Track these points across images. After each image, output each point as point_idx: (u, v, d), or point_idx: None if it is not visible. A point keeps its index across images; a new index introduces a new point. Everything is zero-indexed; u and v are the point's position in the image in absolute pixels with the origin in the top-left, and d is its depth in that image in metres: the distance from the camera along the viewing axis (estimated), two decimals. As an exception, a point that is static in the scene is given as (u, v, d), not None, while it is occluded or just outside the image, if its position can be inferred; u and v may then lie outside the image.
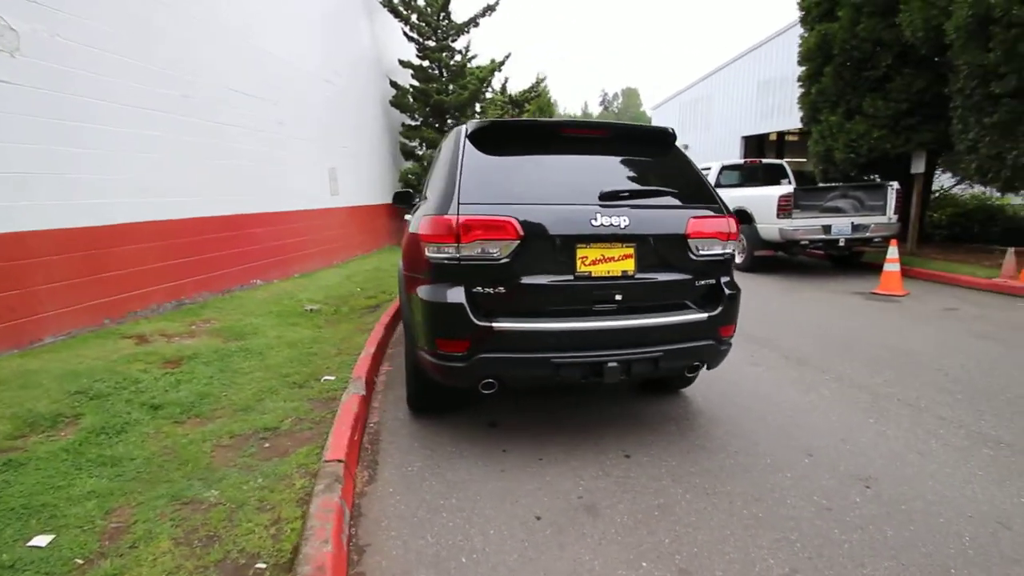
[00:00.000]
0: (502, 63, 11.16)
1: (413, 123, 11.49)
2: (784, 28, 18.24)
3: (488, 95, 11.81)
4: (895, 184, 7.67)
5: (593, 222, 2.41)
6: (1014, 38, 5.90)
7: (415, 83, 11.40)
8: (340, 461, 2.36)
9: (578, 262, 2.43)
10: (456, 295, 2.39)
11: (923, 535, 2.05)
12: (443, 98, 10.77)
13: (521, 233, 2.35)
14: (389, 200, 11.06)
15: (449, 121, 11.26)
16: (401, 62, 11.34)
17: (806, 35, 9.95)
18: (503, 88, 12.49)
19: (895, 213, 7.61)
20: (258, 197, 6.51)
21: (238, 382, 3.47)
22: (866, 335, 4.89)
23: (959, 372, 3.86)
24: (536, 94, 14.58)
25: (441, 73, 11.31)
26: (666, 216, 2.56)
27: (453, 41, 11.24)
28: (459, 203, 2.41)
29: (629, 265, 2.48)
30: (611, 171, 2.72)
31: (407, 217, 4.57)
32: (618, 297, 2.47)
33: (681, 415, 3.18)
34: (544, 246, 2.40)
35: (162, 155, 5.14)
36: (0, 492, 2.15)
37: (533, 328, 2.37)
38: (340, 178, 8.92)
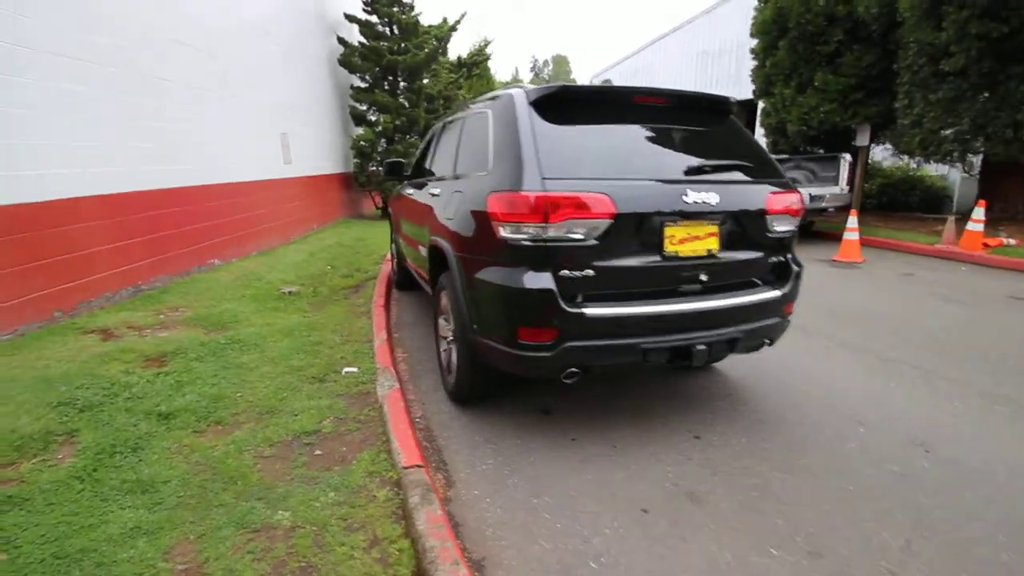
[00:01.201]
0: (458, 22, 10.53)
1: (363, 85, 10.67)
2: (715, 4, 18.66)
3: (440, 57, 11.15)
4: (847, 156, 8.15)
5: (685, 199, 2.28)
6: (965, 19, 6.30)
7: (363, 40, 10.54)
8: (419, 467, 2.14)
9: (666, 241, 2.30)
10: (543, 280, 2.19)
11: (995, 494, 2.18)
12: (396, 58, 10.04)
13: (615, 211, 2.18)
14: (341, 169, 10.34)
15: (402, 84, 10.56)
16: (347, 16, 10.40)
17: (761, 8, 10.16)
18: (444, 50, 11.85)
19: (847, 184, 8.12)
20: (210, 167, 5.77)
21: (248, 380, 3.08)
22: (844, 300, 5.20)
23: (942, 334, 4.18)
24: (484, 57, 14.04)
25: (392, 31, 10.51)
26: (748, 192, 2.48)
27: (402, -5, 10.45)
28: (543, 178, 2.18)
29: (714, 244, 2.39)
30: (682, 143, 2.58)
31: (409, 191, 4.23)
32: (703, 278, 2.39)
33: (723, 390, 3.20)
34: (633, 225, 2.25)
35: (99, 117, 4.36)
36: (16, 539, 1.75)
37: (625, 313, 2.23)
38: (292, 145, 8.15)
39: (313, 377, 3.19)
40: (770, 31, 9.78)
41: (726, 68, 18.73)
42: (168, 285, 5.08)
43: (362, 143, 10.39)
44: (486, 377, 2.72)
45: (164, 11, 5.21)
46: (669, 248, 2.31)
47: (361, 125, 10.83)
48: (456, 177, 3.02)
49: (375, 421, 2.65)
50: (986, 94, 6.71)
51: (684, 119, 2.69)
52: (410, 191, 4.23)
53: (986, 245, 6.92)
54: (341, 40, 10.17)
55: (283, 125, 7.92)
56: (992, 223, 7.51)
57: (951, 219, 7.31)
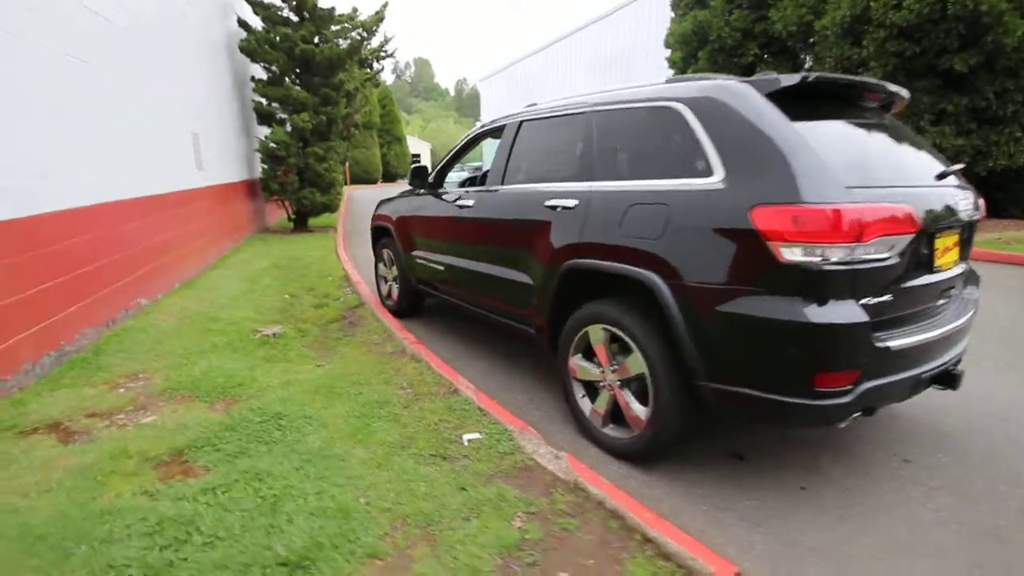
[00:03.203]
0: (382, 12, 9.43)
1: (270, 77, 9.09)
2: (612, 10, 19.65)
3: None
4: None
5: (955, 207, 2.02)
6: (884, 38, 7.16)
7: (261, 25, 9.00)
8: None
9: (936, 255, 2.02)
10: (852, 312, 1.76)
11: None
12: (312, 48, 8.71)
13: (919, 224, 1.83)
14: (246, 175, 8.73)
15: (315, 79, 9.22)
16: (242, -4, 8.79)
17: (678, 20, 10.73)
18: (369, 42, 10.70)
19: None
20: (117, 174, 4.26)
21: (354, 475, 2.18)
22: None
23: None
24: (388, 53, 13.01)
25: (301, 17, 9.11)
26: (970, 197, 2.30)
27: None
28: (846, 187, 1.76)
29: (956, 255, 2.17)
30: (898, 142, 2.32)
31: (461, 202, 3.49)
32: (953, 292, 2.15)
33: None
34: (922, 239, 1.93)
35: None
36: None
37: (921, 340, 1.90)
38: (203, 147, 6.57)
39: (432, 455, 2.37)
40: (691, 41, 10.34)
41: (617, 76, 19.73)
42: (99, 342, 3.61)
43: (273, 145, 8.86)
44: (689, 421, 2.21)
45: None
46: (937, 262, 2.04)
47: (267, 123, 9.25)
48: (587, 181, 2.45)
49: (587, 508, 1.99)
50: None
51: (875, 114, 2.44)
52: (462, 202, 3.48)
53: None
54: (243, 23, 8.53)
55: (192, 122, 6.34)
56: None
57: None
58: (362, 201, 17.32)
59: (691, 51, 10.50)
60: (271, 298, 5.23)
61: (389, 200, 4.86)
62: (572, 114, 2.77)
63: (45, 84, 3.38)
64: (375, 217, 4.96)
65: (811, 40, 8.46)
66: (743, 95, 2.05)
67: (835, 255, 1.75)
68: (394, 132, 40.66)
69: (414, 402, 2.91)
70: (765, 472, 2.37)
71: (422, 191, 4.19)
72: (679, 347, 2.07)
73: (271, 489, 2.03)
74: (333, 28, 9.29)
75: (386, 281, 4.94)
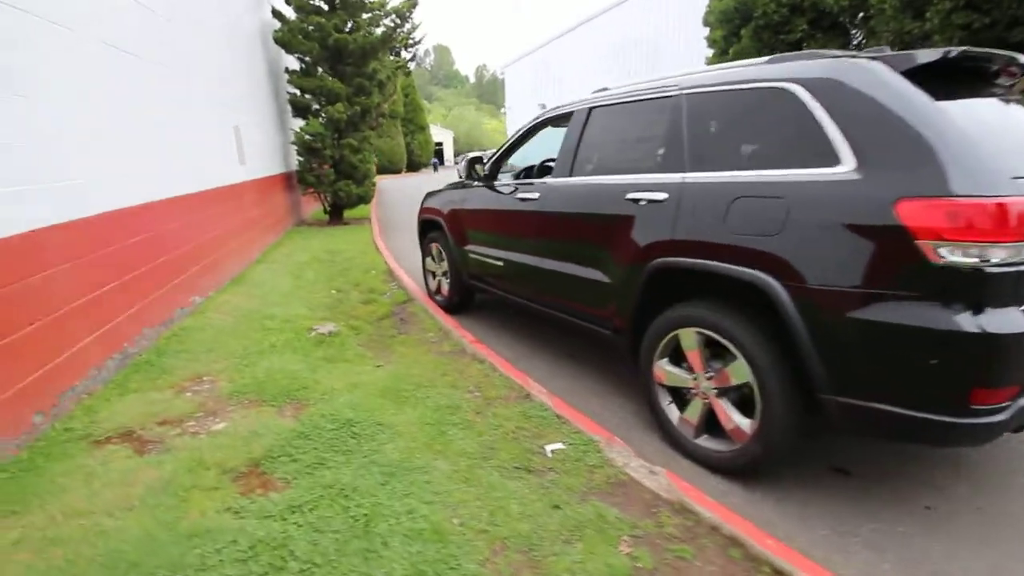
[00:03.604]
0: (414, 1, 9.23)
1: (304, 68, 9.01)
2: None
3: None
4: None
5: None
6: (949, 9, 6.66)
7: (293, 15, 8.88)
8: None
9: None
10: (1017, 321, 1.55)
11: None
12: (345, 36, 8.58)
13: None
14: (282, 168, 8.71)
15: (349, 68, 9.09)
16: (275, -15, 8.69)
17: (718, -2, 10.24)
18: (404, 30, 10.52)
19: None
20: (166, 171, 4.21)
21: (441, 490, 2.06)
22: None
23: None
24: (416, 41, 12.83)
25: (332, 5, 8.97)
26: None
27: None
28: (1013, 177, 1.54)
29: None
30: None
31: (523, 195, 3.32)
32: None
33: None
34: None
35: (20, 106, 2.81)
36: None
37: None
38: (244, 140, 6.53)
39: (516, 467, 2.24)
40: (733, 19, 9.87)
41: (643, 58, 19.17)
42: (158, 342, 3.59)
43: (308, 137, 8.80)
44: (802, 436, 2.03)
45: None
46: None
47: (302, 115, 9.19)
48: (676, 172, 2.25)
49: (700, 533, 1.83)
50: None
51: (1018, 94, 2.18)
52: (524, 195, 3.31)
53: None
54: (276, 13, 8.44)
55: (234, 115, 6.29)
56: None
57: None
58: (390, 191, 17.28)
59: (733, 29, 10.01)
60: (319, 294, 5.17)
61: (438, 192, 4.72)
62: (656, 98, 2.56)
63: (96, 78, 3.31)
64: (423, 210, 4.83)
65: (864, 14, 7.95)
66: (874, 74, 1.82)
67: (998, 255, 1.53)
68: (417, 121, 40.62)
69: (486, 407, 2.78)
70: (878, 489, 2.17)
71: (476, 183, 4.03)
72: (799, 357, 1.88)
73: (360, 507, 1.92)
74: (364, 16, 9.13)
75: (434, 276, 4.82)
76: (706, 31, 11.35)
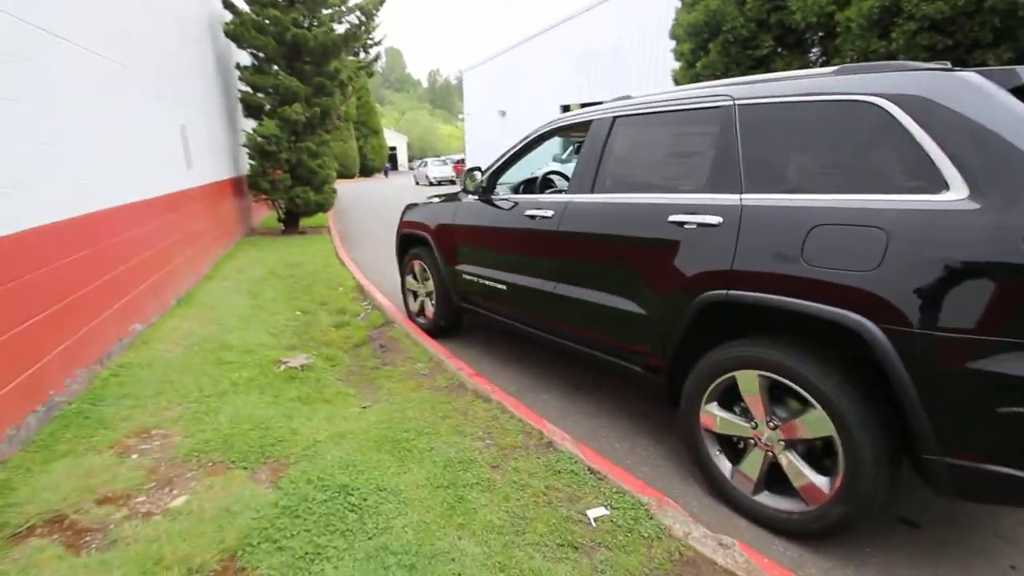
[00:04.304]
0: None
1: (258, 64, 8.28)
2: (599, 1, 19.15)
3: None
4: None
5: None
6: (915, 31, 6.88)
7: (247, 7, 8.18)
8: None
9: None
10: None
11: None
12: (304, 32, 7.95)
13: None
14: (232, 173, 8.00)
15: (308, 67, 8.45)
16: (225, -26, 7.93)
17: (686, 10, 10.32)
18: (369, 28, 9.92)
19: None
20: (103, 176, 3.55)
21: (475, 586, 1.65)
22: None
23: None
24: (376, 41, 12.26)
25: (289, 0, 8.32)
26: None
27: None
28: None
29: None
30: None
31: (532, 212, 2.97)
32: None
33: None
34: None
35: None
36: None
37: None
38: (191, 141, 5.83)
39: (559, 544, 1.87)
40: (701, 32, 9.96)
41: (605, 69, 19.29)
42: (94, 385, 2.96)
43: (261, 139, 8.09)
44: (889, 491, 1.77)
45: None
46: None
47: (254, 115, 8.46)
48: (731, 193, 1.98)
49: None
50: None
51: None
52: (534, 211, 2.96)
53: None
54: (228, 4, 7.70)
55: (180, 114, 5.59)
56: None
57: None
58: (345, 197, 16.50)
59: (701, 43, 10.11)
60: (282, 316, 4.60)
61: (423, 205, 4.30)
62: (699, 108, 2.28)
63: (10, 63, 2.70)
64: (404, 224, 4.39)
65: (831, 32, 8.15)
66: (981, 91, 1.60)
67: None
68: (370, 124, 39.60)
69: (503, 460, 2.39)
70: (954, 546, 1.96)
71: (469, 196, 3.65)
72: (901, 410, 1.62)
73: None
74: (325, 12, 8.53)
75: (416, 296, 4.39)
76: (672, 44, 11.46)
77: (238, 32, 7.63)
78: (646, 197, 2.40)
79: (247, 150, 8.31)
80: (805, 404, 1.87)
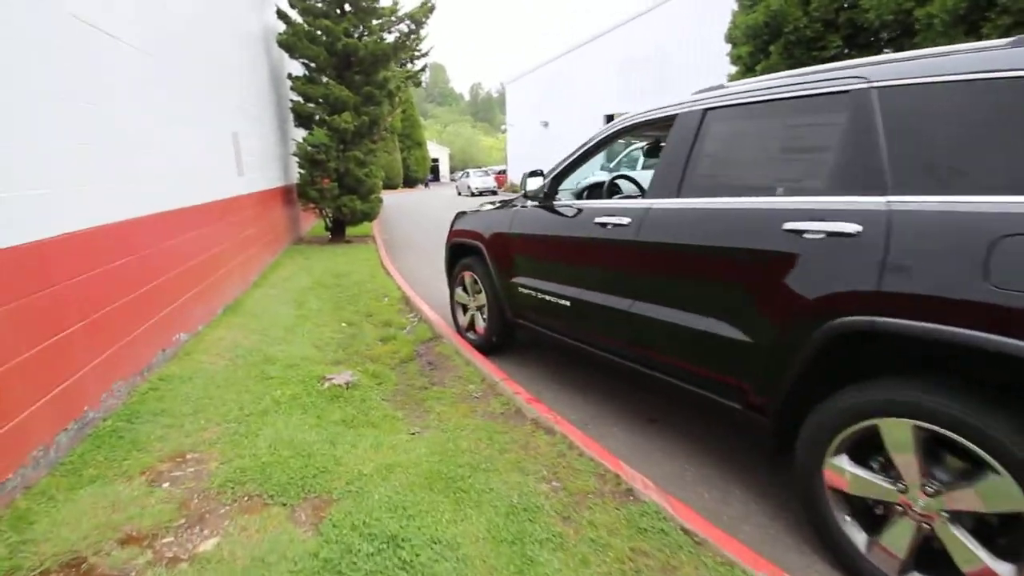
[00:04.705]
0: (431, 5, 8.63)
1: (309, 75, 8.35)
2: (646, 9, 18.78)
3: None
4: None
5: None
6: (1010, 24, 6.19)
7: (299, 19, 8.25)
8: None
9: None
10: None
11: None
12: (355, 42, 7.95)
13: None
14: (283, 181, 8.00)
15: (357, 76, 8.45)
16: (280, -14, 8.05)
17: (744, 12, 9.84)
18: (419, 37, 9.91)
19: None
20: (152, 181, 3.47)
21: None
22: None
23: None
24: (423, 52, 12.26)
25: (342, 9, 8.35)
26: None
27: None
28: None
29: None
30: None
31: (603, 219, 2.63)
32: None
33: None
34: None
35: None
36: None
37: None
38: (243, 149, 5.81)
39: (657, 631, 1.50)
40: (761, 34, 9.44)
41: (651, 77, 18.82)
42: (132, 400, 2.80)
43: (311, 148, 8.11)
44: None
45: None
46: None
47: (305, 125, 8.50)
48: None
49: None
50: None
51: None
52: (605, 219, 2.62)
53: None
54: (282, 15, 7.80)
55: (231, 120, 5.58)
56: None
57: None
58: (389, 207, 16.61)
59: (761, 45, 9.58)
60: (327, 327, 4.42)
61: (474, 212, 4.03)
62: (821, 94, 1.89)
63: (67, 65, 2.59)
64: (454, 232, 4.13)
65: (908, 30, 7.50)
66: None
67: None
68: (414, 137, 40.38)
69: (575, 509, 2.04)
70: None
71: (528, 202, 3.35)
72: None
73: None
74: (375, 22, 8.53)
75: (466, 310, 4.10)
76: (727, 48, 10.94)
77: (291, 42, 7.68)
78: (751, 201, 2.02)
79: (297, 159, 8.34)
80: (979, 465, 1.44)
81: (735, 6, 10.44)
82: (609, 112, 21.13)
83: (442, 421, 2.84)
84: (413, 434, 2.71)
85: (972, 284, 1.41)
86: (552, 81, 24.73)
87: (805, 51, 8.98)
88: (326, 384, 3.16)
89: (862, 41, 8.58)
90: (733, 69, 10.61)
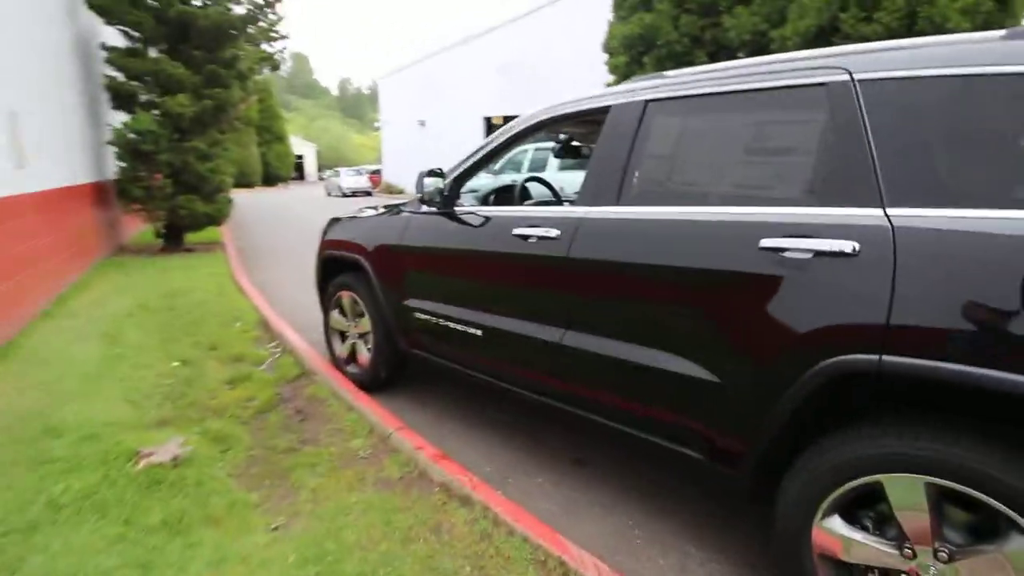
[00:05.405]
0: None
1: (132, 48, 6.72)
2: (522, 14, 18.88)
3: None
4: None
5: None
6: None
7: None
8: None
9: None
10: None
11: None
12: (192, 9, 6.57)
13: None
14: (93, 176, 6.43)
15: (197, 52, 7.03)
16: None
17: (620, 23, 10.13)
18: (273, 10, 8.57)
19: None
20: None
21: None
22: None
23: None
24: (282, 35, 10.90)
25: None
26: None
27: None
28: None
29: None
30: None
31: (524, 231, 2.15)
32: None
33: None
34: None
35: None
36: None
37: None
38: (26, 134, 4.34)
39: None
40: (636, 45, 9.78)
41: (531, 80, 18.98)
42: None
43: (134, 136, 6.54)
44: None
45: None
46: None
47: (125, 107, 6.86)
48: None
49: None
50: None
51: None
52: (527, 231, 2.11)
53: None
54: (88, -34, 6.13)
55: (5, 97, 4.11)
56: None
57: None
58: (244, 207, 14.61)
59: (636, 56, 9.93)
60: (151, 370, 3.34)
61: (352, 219, 3.31)
62: (790, 86, 1.57)
63: None
64: (328, 243, 3.36)
65: (764, 50, 8.21)
66: None
67: None
68: (274, 130, 36.98)
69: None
70: None
71: (421, 208, 2.75)
72: None
73: None
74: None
75: (344, 338, 3.35)
76: (605, 57, 11.23)
77: (105, 5, 6.08)
78: (716, 212, 1.65)
79: (115, 149, 6.69)
80: (994, 521, 1.20)
81: (611, 16, 10.74)
82: (488, 114, 20.96)
83: (317, 502, 2.11)
84: (275, 529, 1.96)
85: (1005, 316, 1.14)
86: (429, 79, 23.98)
87: (676, 65, 9.44)
88: (141, 463, 2.23)
89: (724, 58, 9.24)
90: (611, 78, 10.91)
